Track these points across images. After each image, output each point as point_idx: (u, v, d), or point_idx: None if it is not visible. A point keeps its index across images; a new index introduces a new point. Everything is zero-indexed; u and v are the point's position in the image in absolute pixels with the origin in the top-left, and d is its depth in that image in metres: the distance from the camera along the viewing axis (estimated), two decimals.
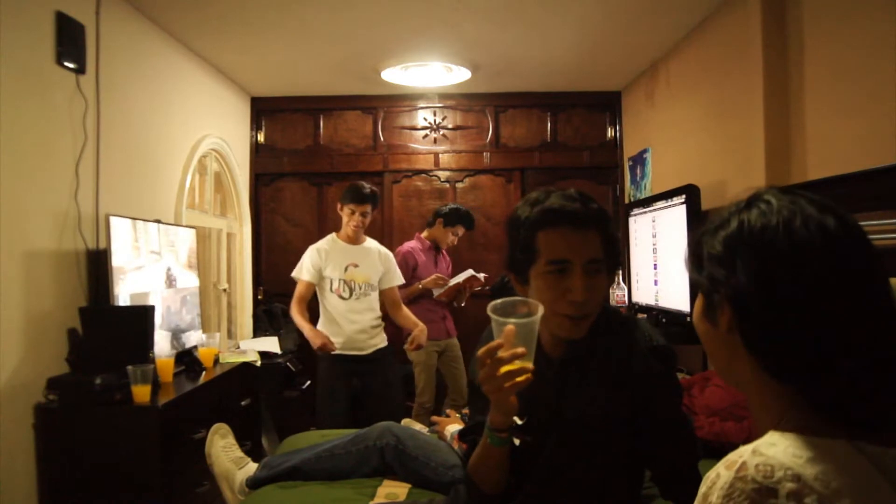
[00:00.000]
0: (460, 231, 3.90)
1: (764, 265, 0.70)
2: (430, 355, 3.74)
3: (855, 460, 0.65)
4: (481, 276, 3.78)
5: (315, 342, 3.03)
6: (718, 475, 0.65)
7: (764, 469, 0.63)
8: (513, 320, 1.08)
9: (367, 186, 3.19)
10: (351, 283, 3.16)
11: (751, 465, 0.64)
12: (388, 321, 3.42)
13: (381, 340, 3.26)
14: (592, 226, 1.20)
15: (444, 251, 3.99)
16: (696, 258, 0.78)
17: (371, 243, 3.31)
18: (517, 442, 1.21)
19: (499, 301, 1.12)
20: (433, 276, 3.73)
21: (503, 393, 1.10)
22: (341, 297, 3.16)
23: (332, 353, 3.09)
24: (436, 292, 3.77)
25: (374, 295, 3.25)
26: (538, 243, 1.21)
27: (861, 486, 0.63)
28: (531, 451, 1.26)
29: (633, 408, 1.23)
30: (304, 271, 3.16)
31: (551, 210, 1.20)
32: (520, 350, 1.06)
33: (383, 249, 3.35)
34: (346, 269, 3.17)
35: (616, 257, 1.26)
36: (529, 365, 1.08)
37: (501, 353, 1.06)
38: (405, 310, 3.37)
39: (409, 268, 3.72)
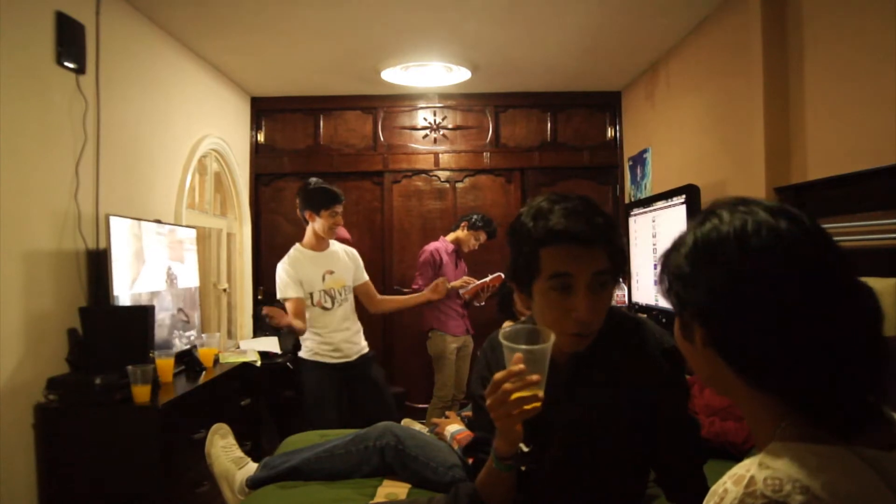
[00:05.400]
0: (482, 237, 4.03)
1: (721, 278, 0.69)
2: (451, 350, 3.89)
3: (856, 466, 0.64)
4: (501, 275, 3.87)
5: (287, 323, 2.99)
6: (727, 491, 0.64)
7: (772, 483, 0.63)
8: (524, 347, 1.07)
9: (332, 185, 3.12)
10: (332, 291, 3.07)
11: (759, 480, 0.63)
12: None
13: (364, 346, 3.21)
14: (599, 242, 1.15)
15: (462, 256, 4.11)
16: (664, 278, 0.78)
17: (335, 245, 3.21)
18: (523, 468, 1.21)
19: (511, 329, 1.11)
20: (461, 278, 3.88)
21: (511, 420, 1.08)
22: (324, 309, 3.05)
23: (318, 362, 3.05)
24: (461, 291, 3.91)
25: (352, 297, 3.19)
26: (541, 259, 1.16)
27: (865, 492, 0.63)
28: (538, 472, 1.25)
29: (641, 410, 1.23)
30: (289, 289, 2.99)
31: (555, 231, 1.14)
32: (534, 377, 1.05)
33: (348, 248, 3.27)
34: (323, 278, 3.07)
35: (623, 265, 1.22)
36: (540, 393, 1.06)
37: (515, 381, 1.05)
38: (381, 297, 3.36)
39: (436, 265, 3.88)
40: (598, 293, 1.15)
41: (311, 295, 3.04)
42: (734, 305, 0.68)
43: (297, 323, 2.96)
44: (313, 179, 3.16)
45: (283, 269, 3.03)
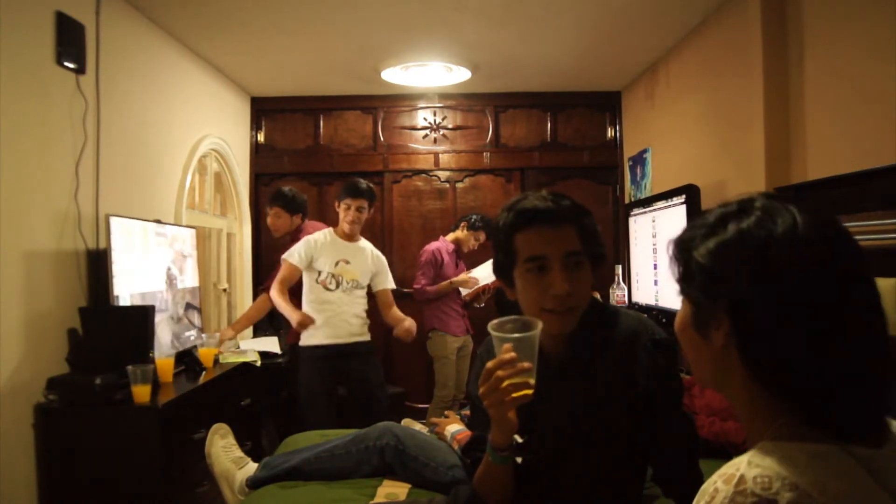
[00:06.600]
0: (482, 237, 4.03)
1: (769, 277, 0.68)
2: (452, 350, 3.89)
3: (847, 464, 0.65)
4: None
5: (294, 318, 3.09)
6: (717, 490, 0.65)
7: (762, 481, 0.63)
8: (513, 336, 1.09)
9: (365, 182, 3.24)
10: (339, 277, 3.19)
11: (748, 478, 0.64)
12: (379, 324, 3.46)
13: (364, 335, 3.27)
14: (567, 221, 1.23)
15: (462, 257, 4.12)
16: (685, 267, 0.75)
17: (365, 244, 3.33)
18: (519, 460, 1.21)
19: (498, 320, 1.13)
20: (463, 277, 3.89)
21: (503, 407, 1.10)
22: (326, 288, 3.18)
23: (313, 346, 3.13)
24: (464, 291, 3.93)
25: (360, 293, 3.26)
26: (516, 245, 1.24)
27: (855, 490, 0.63)
28: (535, 465, 1.26)
29: (635, 402, 1.23)
30: (294, 255, 3.18)
31: (524, 211, 1.24)
32: (525, 365, 1.07)
33: (377, 251, 3.36)
34: (336, 263, 3.19)
35: (598, 248, 1.27)
36: (531, 380, 1.08)
37: (506, 367, 1.07)
38: (396, 310, 3.38)
39: (437, 264, 3.91)
40: (574, 271, 1.21)
41: (320, 273, 3.18)
42: (778, 307, 0.67)
43: (273, 293, 3.16)
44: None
45: (303, 241, 3.24)
